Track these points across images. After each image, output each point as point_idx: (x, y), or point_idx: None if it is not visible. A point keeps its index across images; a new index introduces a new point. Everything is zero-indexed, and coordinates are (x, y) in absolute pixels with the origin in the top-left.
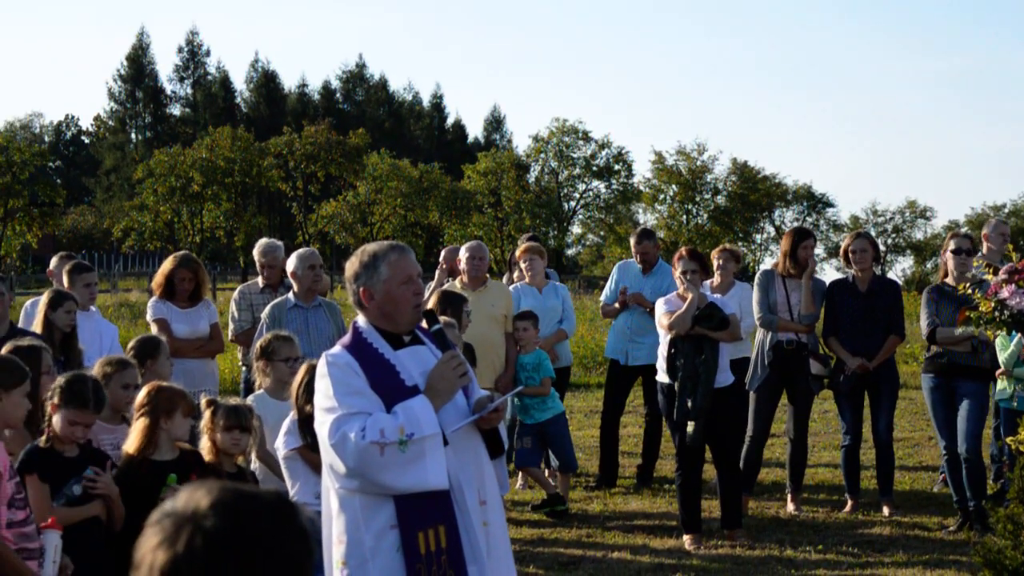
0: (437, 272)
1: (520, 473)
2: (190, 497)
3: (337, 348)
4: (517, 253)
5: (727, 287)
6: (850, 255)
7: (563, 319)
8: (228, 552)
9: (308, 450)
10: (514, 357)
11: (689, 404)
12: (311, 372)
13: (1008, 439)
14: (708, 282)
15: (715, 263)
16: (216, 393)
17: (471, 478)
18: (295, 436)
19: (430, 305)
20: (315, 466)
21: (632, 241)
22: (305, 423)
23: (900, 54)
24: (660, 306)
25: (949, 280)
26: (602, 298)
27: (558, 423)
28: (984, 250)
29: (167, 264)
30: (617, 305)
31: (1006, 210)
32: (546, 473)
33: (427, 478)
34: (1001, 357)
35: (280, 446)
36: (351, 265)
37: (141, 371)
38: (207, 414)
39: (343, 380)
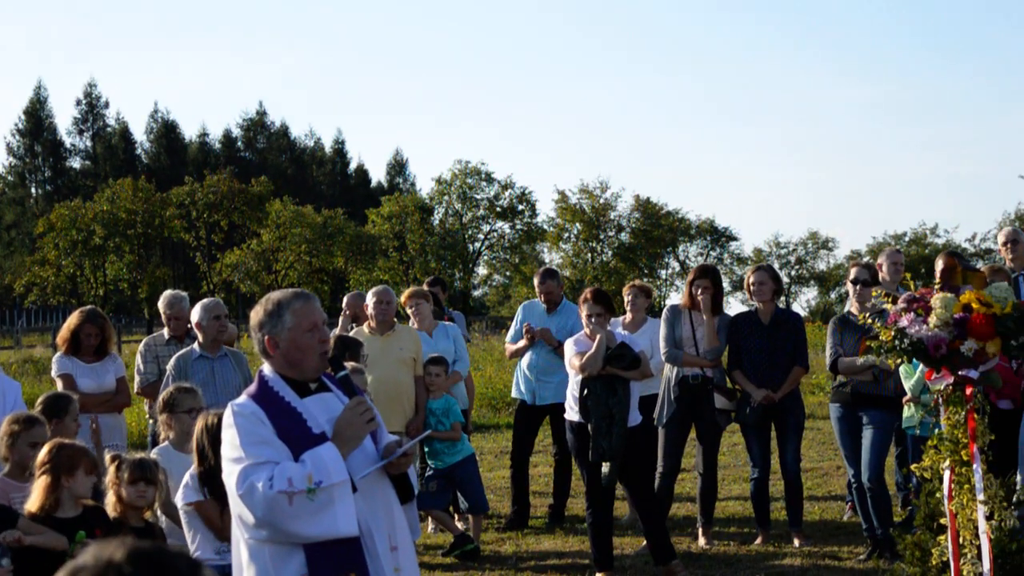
0: (341, 318)
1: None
2: (101, 551)
3: (243, 397)
4: (402, 299)
5: (639, 323)
6: (751, 288)
7: (456, 360)
8: None
9: (206, 505)
10: (424, 401)
11: (604, 445)
12: (214, 423)
13: (913, 466)
14: (620, 319)
15: (626, 299)
16: (124, 447)
17: (381, 524)
18: (194, 490)
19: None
20: (211, 522)
21: (536, 281)
22: (205, 476)
23: (800, 85)
24: (570, 347)
25: (853, 310)
26: (508, 339)
27: (467, 465)
28: (881, 280)
29: (72, 319)
30: (523, 342)
31: (907, 238)
32: (456, 517)
33: (337, 525)
34: (907, 384)
35: (179, 499)
36: (256, 314)
37: (49, 428)
38: (112, 469)
39: (249, 430)
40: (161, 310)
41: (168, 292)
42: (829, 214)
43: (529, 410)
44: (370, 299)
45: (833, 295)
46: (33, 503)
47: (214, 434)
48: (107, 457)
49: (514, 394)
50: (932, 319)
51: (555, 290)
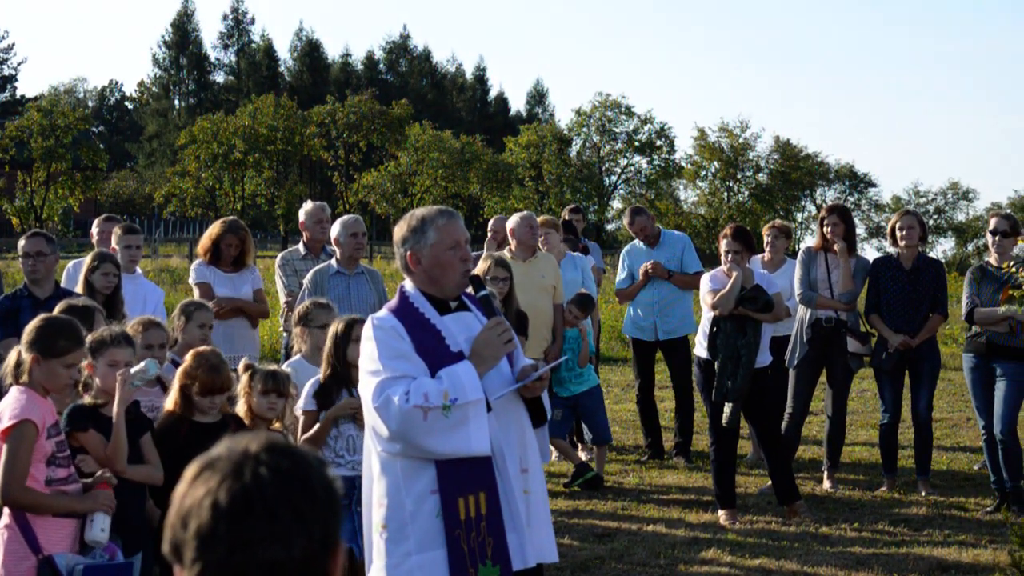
0: (487, 242)
1: None
2: (235, 444)
3: (383, 312)
4: None
5: (778, 264)
6: (897, 232)
7: None
8: (295, 484)
9: (311, 416)
10: (561, 329)
11: (728, 385)
12: (341, 330)
13: None
14: (758, 258)
15: (765, 239)
16: (256, 359)
17: (513, 445)
18: (310, 400)
19: (479, 269)
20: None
21: (626, 223)
22: (327, 387)
23: (944, 33)
24: (705, 282)
25: (992, 260)
26: (618, 284)
27: (593, 395)
28: None
29: (215, 228)
30: (639, 282)
31: None
32: (579, 448)
33: (470, 444)
34: None
35: (298, 407)
36: (399, 229)
37: (181, 330)
38: (245, 378)
39: (388, 343)
40: (305, 221)
41: (315, 203)
42: (971, 164)
43: (647, 345)
44: (516, 223)
45: (971, 247)
46: (169, 403)
47: (339, 341)
48: (241, 366)
49: (628, 332)
50: None
51: (647, 225)
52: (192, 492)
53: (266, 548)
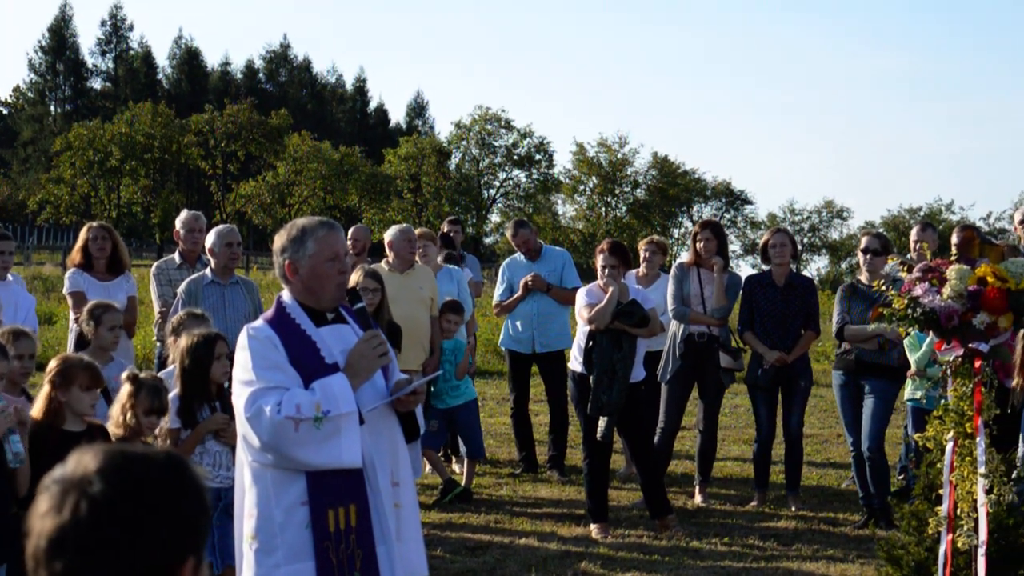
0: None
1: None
2: (79, 461)
3: (259, 321)
4: None
5: (653, 279)
6: (769, 249)
7: None
8: (113, 517)
9: (175, 434)
10: (439, 342)
11: (604, 399)
12: (197, 343)
13: (916, 435)
14: (633, 272)
15: (642, 255)
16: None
17: (385, 459)
18: (175, 418)
19: (352, 282)
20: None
21: (509, 235)
22: (189, 404)
23: (823, 53)
24: (581, 296)
25: (862, 278)
26: (497, 297)
27: (469, 409)
28: (914, 255)
29: (82, 234)
30: (518, 295)
31: (922, 213)
32: (454, 460)
33: (341, 456)
34: (912, 358)
35: (164, 422)
36: (279, 237)
37: (92, 335)
38: (128, 387)
39: (262, 354)
40: (180, 229)
41: (190, 212)
42: (846, 184)
43: (523, 358)
44: (394, 236)
45: (844, 265)
46: (35, 411)
47: (196, 354)
48: (124, 374)
49: (505, 344)
50: (946, 290)
51: (530, 238)
52: (34, 511)
53: None
